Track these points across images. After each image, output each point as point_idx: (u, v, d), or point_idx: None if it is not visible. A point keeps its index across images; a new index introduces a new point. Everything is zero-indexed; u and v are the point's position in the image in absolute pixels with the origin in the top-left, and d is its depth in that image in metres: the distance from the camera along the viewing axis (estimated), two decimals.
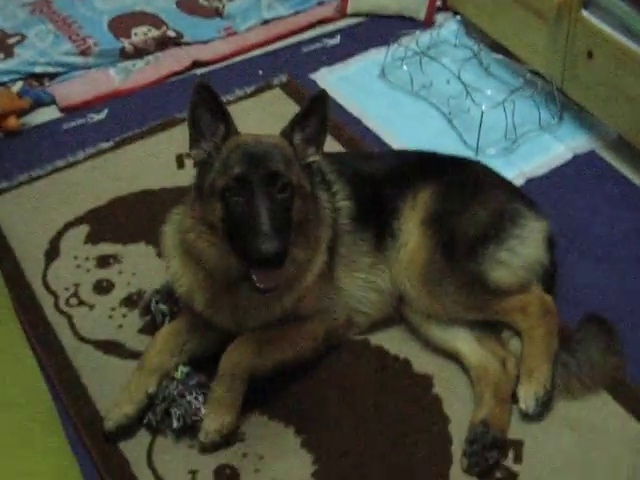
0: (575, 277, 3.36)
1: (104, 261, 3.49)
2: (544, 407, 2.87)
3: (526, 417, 2.87)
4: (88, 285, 3.39)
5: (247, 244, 2.56)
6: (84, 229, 3.64)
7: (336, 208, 3.06)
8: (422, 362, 3.08)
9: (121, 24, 4.69)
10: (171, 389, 2.84)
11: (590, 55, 3.77)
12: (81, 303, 3.32)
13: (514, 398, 2.90)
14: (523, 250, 3.05)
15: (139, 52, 4.62)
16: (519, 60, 4.27)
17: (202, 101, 2.68)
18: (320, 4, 5.04)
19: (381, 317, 3.18)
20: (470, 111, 4.04)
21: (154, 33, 4.66)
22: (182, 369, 2.90)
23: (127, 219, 3.68)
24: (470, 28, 4.61)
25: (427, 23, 4.82)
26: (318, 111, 2.74)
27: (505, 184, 3.33)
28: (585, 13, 3.77)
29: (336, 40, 4.80)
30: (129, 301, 3.31)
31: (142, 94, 4.44)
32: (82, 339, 3.18)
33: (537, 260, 3.08)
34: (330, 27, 4.92)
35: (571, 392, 2.93)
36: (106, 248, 3.55)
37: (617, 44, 3.61)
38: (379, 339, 3.15)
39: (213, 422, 2.78)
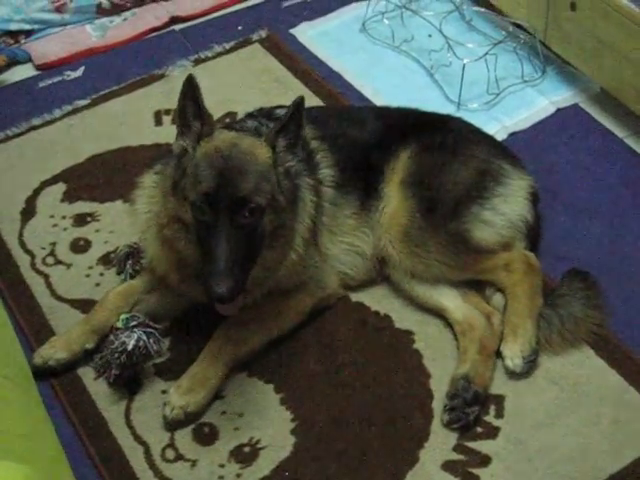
0: (558, 231, 3.33)
1: (81, 219, 3.43)
2: (530, 364, 2.84)
3: (512, 375, 2.85)
4: (65, 244, 3.34)
5: (204, 274, 2.51)
6: (61, 187, 3.59)
7: (319, 179, 3.00)
8: (403, 318, 3.05)
9: None
10: (111, 339, 2.81)
11: (573, 7, 3.71)
12: (58, 262, 3.27)
13: (498, 355, 2.88)
14: (507, 209, 3.02)
15: (116, 8, 4.52)
16: (502, 13, 4.20)
17: (189, 94, 2.59)
18: None
19: (364, 279, 3.14)
20: (452, 65, 3.97)
21: None
22: (122, 317, 2.85)
23: (104, 177, 3.62)
24: None
25: None
26: (297, 119, 2.65)
27: (488, 141, 3.29)
28: None
29: None
30: (106, 259, 3.26)
31: (119, 51, 4.35)
32: (59, 298, 3.14)
33: (521, 218, 3.05)
34: None
35: (553, 347, 2.91)
36: (83, 206, 3.49)
37: None
38: (359, 296, 3.12)
39: (180, 398, 2.73)
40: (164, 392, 2.82)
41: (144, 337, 2.80)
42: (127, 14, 4.55)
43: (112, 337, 2.82)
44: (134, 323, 2.83)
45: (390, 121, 3.24)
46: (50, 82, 4.17)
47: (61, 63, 4.27)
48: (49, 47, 4.34)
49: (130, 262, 3.15)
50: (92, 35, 4.43)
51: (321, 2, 4.63)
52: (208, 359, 2.81)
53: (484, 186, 3.03)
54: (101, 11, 4.50)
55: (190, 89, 2.58)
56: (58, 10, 4.43)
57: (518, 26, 4.12)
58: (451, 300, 3.01)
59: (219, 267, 2.45)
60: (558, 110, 3.90)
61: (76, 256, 3.30)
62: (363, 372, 2.89)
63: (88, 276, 3.22)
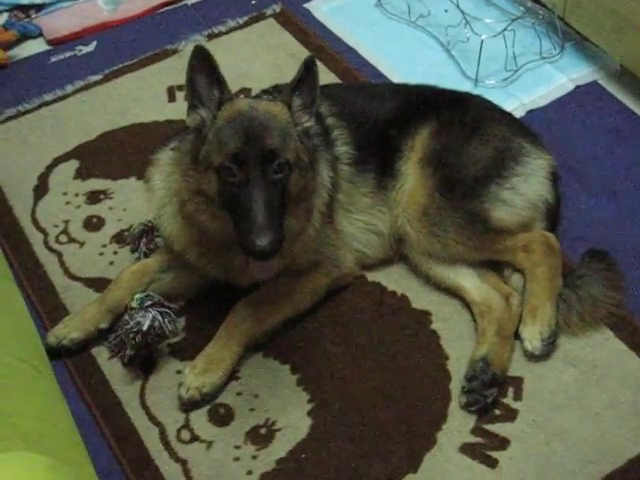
0: (577, 211, 3.29)
1: (94, 197, 3.40)
2: (549, 347, 2.81)
3: (531, 357, 2.81)
4: (78, 222, 3.31)
5: (241, 233, 2.47)
6: (73, 164, 3.55)
7: (335, 156, 2.97)
8: (420, 298, 3.02)
9: None
10: (125, 318, 2.79)
11: None
12: (71, 240, 3.25)
13: (517, 337, 2.85)
14: (526, 188, 2.97)
15: None
16: None
17: (199, 65, 2.56)
18: None
19: (381, 258, 3.11)
20: (469, 41, 3.91)
21: None
22: (137, 296, 2.82)
23: (117, 154, 3.59)
24: None
25: None
26: (310, 77, 2.63)
27: (507, 119, 3.22)
28: None
29: None
30: (120, 238, 3.24)
31: (131, 25, 4.31)
32: (72, 277, 3.12)
33: (540, 198, 3.00)
34: None
35: (572, 328, 2.87)
36: (96, 183, 3.46)
37: None
38: (376, 276, 3.09)
39: (196, 378, 2.71)
40: (179, 372, 2.81)
41: (159, 317, 2.77)
42: None
43: (127, 317, 2.79)
44: (149, 303, 2.81)
45: (408, 98, 3.19)
46: (62, 57, 4.14)
47: (73, 38, 4.23)
48: (61, 21, 4.30)
49: (144, 240, 3.12)
50: (104, 9, 4.38)
51: None
52: (223, 339, 2.78)
53: (503, 165, 2.98)
54: None
55: (199, 61, 2.55)
56: None
57: (536, 2, 4.05)
58: (469, 280, 2.98)
59: (259, 221, 2.42)
60: (577, 87, 3.84)
61: (89, 234, 3.27)
62: (380, 353, 2.86)
63: (102, 254, 3.19)
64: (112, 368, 2.84)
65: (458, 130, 3.05)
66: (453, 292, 3.01)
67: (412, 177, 3.00)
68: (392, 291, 3.04)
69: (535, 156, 3.05)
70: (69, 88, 3.92)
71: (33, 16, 4.34)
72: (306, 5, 4.36)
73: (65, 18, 4.31)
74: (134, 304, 2.82)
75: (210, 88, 2.60)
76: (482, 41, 3.77)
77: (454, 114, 3.09)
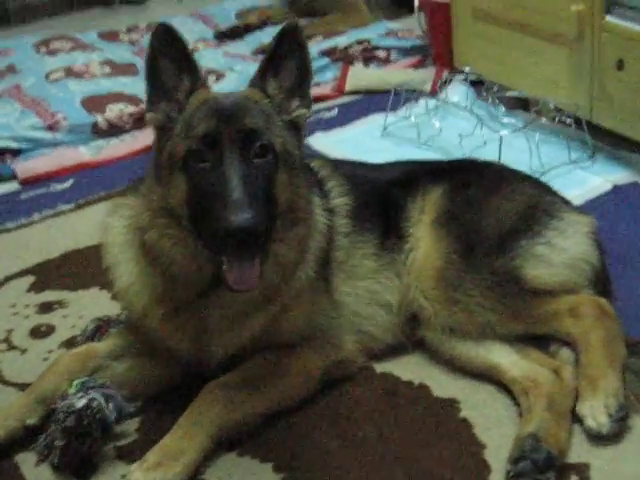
0: (634, 295, 2.66)
1: (46, 306, 2.92)
2: (619, 424, 2.11)
3: (598, 437, 2.10)
4: (23, 330, 2.79)
5: (215, 222, 1.96)
6: (28, 280, 3.08)
7: (331, 208, 2.45)
8: (444, 386, 2.36)
9: (95, 101, 4.24)
10: (57, 405, 2.14)
11: (620, 65, 3.25)
12: (11, 348, 2.69)
13: (577, 418, 2.15)
14: (564, 244, 2.40)
15: (114, 128, 4.14)
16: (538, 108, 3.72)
17: (164, 47, 2.12)
18: (315, 85, 4.60)
19: (390, 343, 2.48)
20: (486, 145, 3.46)
21: (130, 109, 4.19)
22: (76, 382, 2.18)
23: (80, 268, 3.11)
24: (480, 89, 4.09)
25: (432, 93, 4.33)
26: (292, 51, 2.17)
27: (533, 180, 2.74)
28: (610, 18, 3.27)
29: (333, 113, 4.34)
30: (71, 342, 2.65)
31: (111, 166, 3.92)
32: (5, 382, 2.52)
33: (583, 257, 2.41)
34: (328, 103, 4.46)
35: None
36: (50, 295, 2.98)
37: None
38: (386, 366, 2.45)
39: (145, 475, 2.00)
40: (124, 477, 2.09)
41: (100, 398, 2.11)
42: (126, 136, 4.15)
43: (59, 402, 2.14)
44: (90, 385, 2.16)
45: (415, 165, 2.73)
46: (33, 194, 3.71)
47: (49, 177, 3.83)
48: (37, 163, 3.92)
49: (98, 334, 2.53)
50: (86, 154, 4.01)
51: (339, 118, 4.25)
52: (185, 427, 2.11)
53: (535, 219, 2.44)
54: (97, 130, 4.12)
55: (164, 42, 2.10)
56: (50, 128, 4.05)
57: (558, 110, 3.64)
58: (505, 356, 2.33)
59: (235, 196, 1.94)
60: (615, 187, 3.33)
61: (35, 341, 2.73)
62: (394, 446, 2.16)
63: (46, 359, 2.59)
64: (39, 477, 2.13)
65: (476, 188, 2.54)
66: (486, 374, 2.35)
67: (424, 241, 2.45)
68: (407, 381, 2.39)
69: (572, 212, 2.51)
70: (36, 216, 3.48)
71: (8, 162, 3.94)
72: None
73: (42, 161, 3.94)
74: (72, 390, 2.17)
75: (178, 75, 2.14)
76: (501, 137, 3.31)
77: (469, 174, 2.63)
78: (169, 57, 2.12)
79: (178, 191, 2.08)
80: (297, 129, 2.21)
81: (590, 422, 2.11)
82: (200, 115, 2.09)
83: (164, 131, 2.15)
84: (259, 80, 2.18)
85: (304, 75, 2.20)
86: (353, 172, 2.62)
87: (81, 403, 2.08)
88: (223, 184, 1.98)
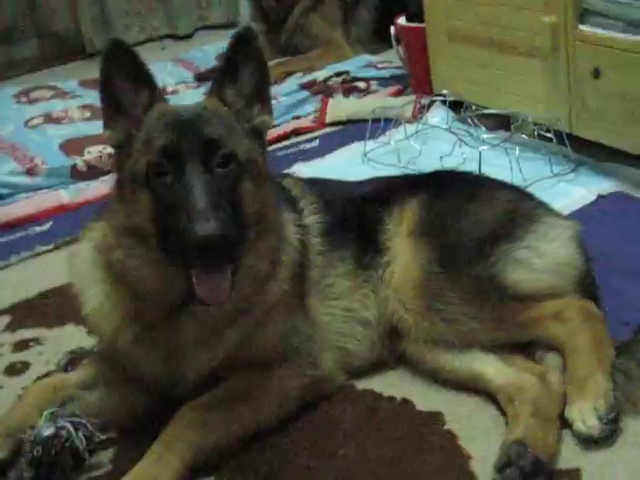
0: (619, 298, 2.58)
1: (22, 344, 2.83)
2: (611, 427, 2.03)
3: (589, 441, 2.03)
4: None
5: (181, 235, 1.92)
6: (4, 320, 2.99)
7: (304, 226, 2.39)
8: (427, 399, 2.29)
9: (74, 145, 4.21)
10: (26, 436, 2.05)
11: (597, 74, 3.21)
12: None
13: (565, 423, 2.07)
14: (546, 247, 2.35)
15: (93, 171, 4.09)
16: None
17: (117, 65, 2.09)
18: (296, 118, 4.58)
19: (370, 359, 2.40)
20: (466, 162, 3.41)
21: (110, 150, 4.15)
22: (45, 413, 2.10)
23: (57, 305, 3.00)
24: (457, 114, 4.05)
25: (413, 119, 4.28)
26: (248, 55, 2.14)
27: (514, 188, 2.69)
28: (583, 27, 3.25)
29: (315, 144, 4.29)
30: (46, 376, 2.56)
31: (93, 206, 3.85)
32: None
33: (566, 261, 2.35)
34: (308, 136, 4.42)
35: (636, 404, 2.09)
36: (26, 333, 2.89)
37: (624, 45, 3.08)
38: (367, 383, 2.38)
39: None
40: None
41: (69, 427, 2.04)
42: (105, 177, 4.09)
43: (28, 433, 2.06)
44: (60, 415, 2.09)
45: (391, 179, 2.70)
46: (12, 237, 3.65)
47: (27, 221, 3.77)
48: (17, 207, 3.86)
49: (71, 368, 2.46)
50: (65, 197, 3.96)
51: (319, 149, 4.20)
52: (159, 452, 2.03)
53: (514, 224, 2.38)
54: (76, 173, 4.07)
55: (117, 60, 2.07)
56: (29, 173, 4.00)
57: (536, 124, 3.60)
58: (489, 365, 2.25)
59: (200, 206, 1.90)
60: (600, 196, 3.28)
61: (9, 379, 2.64)
62: (376, 463, 2.08)
63: (20, 396, 2.49)
64: None
65: (453, 197, 2.49)
66: (470, 385, 2.28)
67: (403, 252, 2.39)
68: (389, 396, 2.32)
69: (553, 217, 2.46)
70: (14, 258, 3.42)
71: None
72: (286, 170, 3.92)
73: (22, 205, 3.89)
74: (41, 421, 2.10)
75: (134, 90, 2.10)
76: (480, 153, 3.27)
77: (446, 183, 2.57)
78: (123, 72, 2.08)
79: (142, 208, 2.04)
80: (260, 136, 2.16)
81: (579, 425, 2.03)
82: (159, 128, 2.05)
83: (124, 149, 2.11)
84: (217, 88, 2.14)
85: (262, 80, 2.17)
86: (326, 189, 2.58)
87: (48, 432, 2.00)
88: (186, 196, 1.94)
